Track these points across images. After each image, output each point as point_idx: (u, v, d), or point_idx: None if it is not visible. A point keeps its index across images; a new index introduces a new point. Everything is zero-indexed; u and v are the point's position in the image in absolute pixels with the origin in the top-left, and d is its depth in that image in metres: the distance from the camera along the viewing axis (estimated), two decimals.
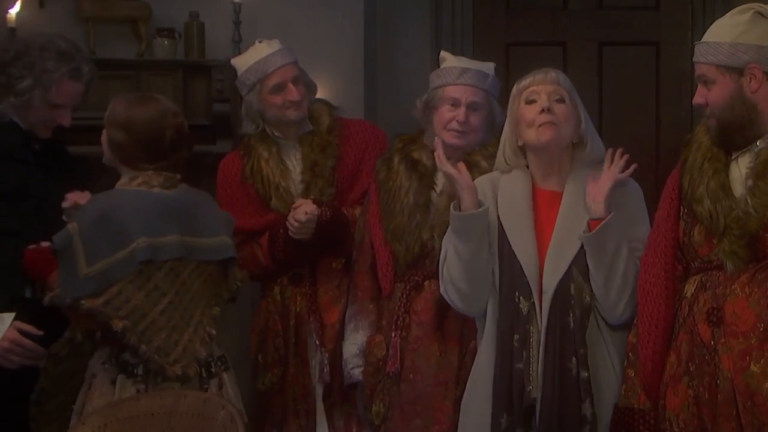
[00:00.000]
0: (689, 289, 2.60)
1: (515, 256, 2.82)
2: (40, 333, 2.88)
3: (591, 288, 2.79)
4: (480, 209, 2.83)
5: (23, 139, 3.19)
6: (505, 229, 2.85)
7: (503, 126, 3.09)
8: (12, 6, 3.96)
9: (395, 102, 4.85)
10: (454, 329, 3.12)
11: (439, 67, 3.31)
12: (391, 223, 3.23)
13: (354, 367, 3.31)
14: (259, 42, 3.53)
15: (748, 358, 2.45)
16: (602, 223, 2.74)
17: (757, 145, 2.53)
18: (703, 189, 2.55)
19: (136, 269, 2.85)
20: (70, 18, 4.60)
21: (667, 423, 2.59)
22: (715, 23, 2.60)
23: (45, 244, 2.94)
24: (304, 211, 3.35)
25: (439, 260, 2.99)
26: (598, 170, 2.83)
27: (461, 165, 2.90)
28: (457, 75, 3.20)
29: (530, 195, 2.88)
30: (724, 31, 2.55)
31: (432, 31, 5.20)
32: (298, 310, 3.50)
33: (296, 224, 3.36)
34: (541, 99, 2.85)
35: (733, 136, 2.54)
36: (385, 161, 3.33)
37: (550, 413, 2.72)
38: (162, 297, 2.90)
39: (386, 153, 3.38)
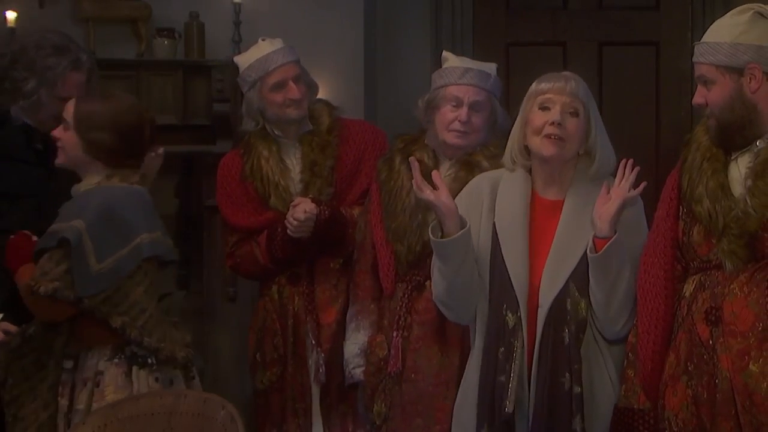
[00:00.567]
0: (688, 288, 2.59)
1: (506, 268, 2.78)
2: (14, 329, 2.87)
3: (587, 302, 2.74)
4: (459, 233, 2.74)
5: (25, 139, 3.18)
6: (499, 238, 2.81)
7: (505, 126, 3.08)
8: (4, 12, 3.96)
9: (395, 102, 4.86)
10: (455, 329, 3.11)
11: (440, 67, 3.30)
12: (392, 222, 3.23)
13: (355, 367, 3.31)
14: (262, 40, 3.53)
15: (746, 357, 2.44)
16: (608, 243, 2.67)
17: (757, 145, 2.53)
18: (702, 189, 2.55)
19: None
20: (70, 18, 4.61)
21: (666, 422, 2.57)
22: (715, 23, 2.60)
23: (34, 239, 2.94)
24: (302, 209, 3.35)
25: None
26: (604, 183, 2.77)
27: (440, 184, 2.78)
28: (460, 75, 3.20)
29: (528, 204, 2.83)
30: (724, 32, 2.54)
31: (432, 31, 5.20)
32: (295, 309, 3.50)
33: (295, 223, 3.36)
34: (554, 109, 2.78)
35: (732, 136, 2.54)
36: (386, 161, 3.33)
37: (540, 428, 2.70)
38: (156, 291, 2.96)
39: (387, 153, 3.37)
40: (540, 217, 2.83)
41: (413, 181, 2.80)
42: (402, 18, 5.17)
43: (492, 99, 3.24)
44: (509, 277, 2.76)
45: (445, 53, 3.34)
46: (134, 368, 2.89)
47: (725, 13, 2.60)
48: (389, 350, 3.21)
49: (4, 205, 3.12)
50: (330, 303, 3.49)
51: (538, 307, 2.74)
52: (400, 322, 3.20)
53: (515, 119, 2.91)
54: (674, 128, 5.08)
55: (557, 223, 2.80)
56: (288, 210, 3.40)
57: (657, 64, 5.29)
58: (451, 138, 3.19)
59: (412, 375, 3.18)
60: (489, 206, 2.86)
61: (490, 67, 3.27)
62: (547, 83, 2.82)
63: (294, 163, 3.52)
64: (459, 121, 3.17)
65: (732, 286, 2.49)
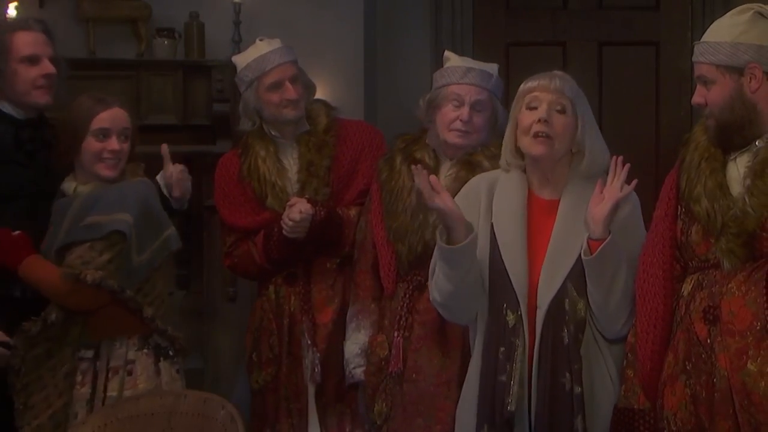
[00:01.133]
0: (686, 287, 2.59)
1: (505, 268, 2.78)
2: (8, 340, 2.87)
3: (586, 302, 2.74)
4: (467, 240, 2.74)
5: (14, 139, 3.14)
6: (497, 238, 2.80)
7: (505, 127, 3.07)
8: (6, 7, 3.95)
9: (395, 102, 4.86)
10: (456, 329, 3.11)
11: (441, 66, 3.31)
12: (393, 222, 3.23)
13: (356, 367, 3.31)
14: (260, 40, 3.53)
15: (744, 356, 2.44)
16: (602, 246, 2.67)
17: (756, 145, 2.53)
18: (700, 188, 2.55)
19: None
20: (70, 18, 4.61)
21: (665, 422, 2.57)
22: (715, 23, 2.60)
23: (16, 233, 2.95)
24: (298, 210, 3.35)
25: None
26: (601, 180, 2.77)
27: (442, 190, 2.76)
28: (461, 74, 3.20)
29: (525, 205, 2.83)
30: (724, 31, 2.54)
31: (432, 32, 5.21)
32: (292, 309, 3.50)
33: (290, 223, 3.36)
34: (541, 107, 2.78)
35: (732, 136, 2.54)
36: (387, 161, 3.33)
37: (541, 428, 2.70)
38: (171, 283, 3.12)
39: (388, 153, 3.37)
40: (537, 217, 2.83)
41: (421, 188, 2.77)
42: (402, 18, 5.17)
43: (493, 99, 3.24)
44: (508, 277, 2.76)
45: (447, 53, 3.34)
46: (161, 359, 3.00)
47: (725, 13, 2.60)
48: (390, 350, 3.21)
49: None
50: (326, 303, 3.49)
51: (536, 307, 2.74)
52: (401, 322, 3.20)
53: None
54: (674, 128, 5.07)
55: (553, 223, 2.80)
56: (285, 210, 3.40)
57: (657, 64, 5.29)
58: (452, 137, 3.19)
59: (413, 375, 3.18)
60: (486, 207, 2.86)
61: (492, 68, 3.27)
62: (533, 82, 2.82)
63: (291, 164, 3.52)
64: (460, 120, 3.17)
65: (730, 285, 2.49)
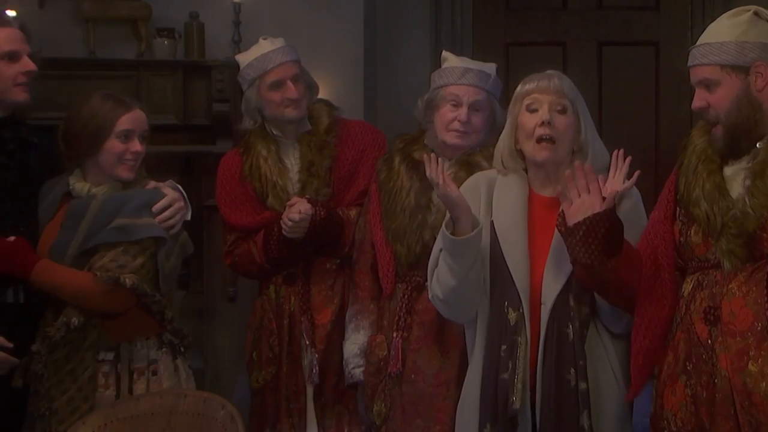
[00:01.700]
0: (686, 288, 2.59)
1: (506, 265, 2.78)
2: (10, 345, 2.84)
3: (590, 298, 2.74)
4: (474, 232, 2.74)
5: None
6: (498, 236, 2.80)
7: (503, 127, 3.07)
8: (7, 8, 3.94)
9: (395, 102, 4.87)
10: (455, 330, 3.11)
11: (439, 67, 3.30)
12: (392, 223, 3.22)
13: (355, 367, 3.31)
14: (264, 39, 3.54)
15: (745, 357, 2.44)
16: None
17: (757, 146, 2.53)
18: (699, 191, 2.54)
19: None
20: (70, 18, 4.62)
21: (665, 422, 2.57)
22: (712, 26, 2.59)
23: (11, 238, 2.94)
24: (297, 210, 3.35)
25: None
26: (602, 177, 2.78)
27: (450, 181, 2.78)
28: (460, 75, 3.20)
29: (526, 202, 2.83)
30: (726, 31, 2.53)
31: (432, 32, 5.21)
32: (291, 309, 3.50)
33: (289, 223, 3.36)
34: (542, 109, 2.77)
35: (740, 140, 2.52)
36: (385, 161, 3.32)
37: (547, 425, 2.70)
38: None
39: (387, 153, 3.37)
40: (538, 214, 2.82)
41: (432, 177, 2.77)
42: (402, 18, 5.18)
43: (492, 99, 3.24)
44: (510, 274, 2.76)
45: (444, 53, 3.34)
46: (179, 357, 3.03)
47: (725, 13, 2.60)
48: (389, 350, 3.21)
49: None
50: (325, 303, 3.49)
51: (539, 303, 2.74)
52: (400, 323, 3.19)
53: None
54: (673, 128, 5.08)
55: (555, 220, 2.81)
56: (285, 209, 3.40)
57: (656, 64, 5.30)
58: (450, 138, 3.18)
59: (412, 375, 3.17)
60: (486, 204, 2.85)
61: (490, 68, 3.27)
62: (531, 84, 2.81)
63: (292, 163, 3.52)
64: (459, 121, 3.16)
65: (730, 286, 2.49)
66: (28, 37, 3.13)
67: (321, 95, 3.66)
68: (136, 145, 2.99)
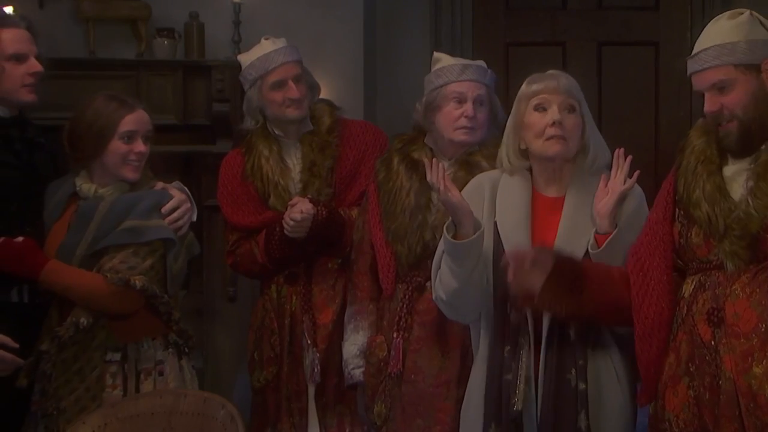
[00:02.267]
0: (687, 289, 2.58)
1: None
2: (16, 346, 2.84)
3: None
4: (476, 235, 2.75)
5: (4, 139, 3.09)
6: (502, 237, 2.80)
7: (503, 121, 3.07)
8: (3, 6, 3.93)
9: (395, 102, 4.87)
10: (456, 330, 3.11)
11: (430, 69, 3.29)
12: (392, 223, 3.22)
13: (354, 368, 3.30)
14: (266, 39, 3.54)
15: (750, 359, 2.43)
16: (609, 239, 2.69)
17: (762, 148, 2.53)
18: (699, 193, 2.54)
19: None
20: (70, 18, 4.62)
21: (667, 423, 2.56)
22: (712, 29, 2.57)
23: (19, 239, 2.94)
24: (299, 209, 3.35)
25: None
26: (604, 175, 2.79)
27: (451, 184, 2.79)
28: (460, 72, 3.19)
29: (529, 203, 2.83)
30: (732, 32, 2.52)
31: (431, 32, 5.22)
32: (293, 309, 3.50)
33: (291, 223, 3.36)
34: (552, 109, 2.78)
35: (754, 135, 2.50)
36: (384, 162, 3.32)
37: (546, 425, 2.70)
38: None
39: (385, 153, 3.37)
40: (541, 215, 2.83)
41: (434, 182, 2.77)
42: (402, 18, 5.18)
43: (492, 94, 3.24)
44: None
45: (436, 54, 3.32)
46: (184, 358, 3.04)
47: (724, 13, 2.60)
48: (389, 351, 3.21)
49: None
50: (327, 303, 3.49)
51: None
52: (401, 323, 3.19)
53: None
54: (673, 128, 5.09)
55: (559, 220, 2.81)
56: (286, 209, 3.40)
57: (656, 64, 5.30)
58: (459, 135, 3.17)
59: (413, 376, 3.17)
60: (490, 205, 2.85)
61: (482, 64, 3.27)
62: (539, 84, 2.82)
63: (294, 163, 3.52)
64: (466, 116, 3.16)
65: (734, 287, 2.48)
66: (35, 37, 3.14)
67: (321, 95, 3.66)
68: (140, 146, 2.99)
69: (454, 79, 3.18)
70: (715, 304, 2.49)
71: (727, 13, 2.56)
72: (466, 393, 2.94)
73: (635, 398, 2.74)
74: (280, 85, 3.45)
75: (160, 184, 3.07)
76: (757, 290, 2.45)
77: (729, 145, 2.54)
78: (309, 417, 3.50)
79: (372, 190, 3.31)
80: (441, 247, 2.88)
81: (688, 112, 5.02)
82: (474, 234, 2.74)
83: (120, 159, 2.99)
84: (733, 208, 2.49)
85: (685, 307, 2.57)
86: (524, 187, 2.85)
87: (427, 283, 3.12)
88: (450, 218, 2.79)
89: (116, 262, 2.91)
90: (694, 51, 2.56)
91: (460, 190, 2.93)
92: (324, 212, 3.38)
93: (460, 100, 3.16)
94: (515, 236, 2.79)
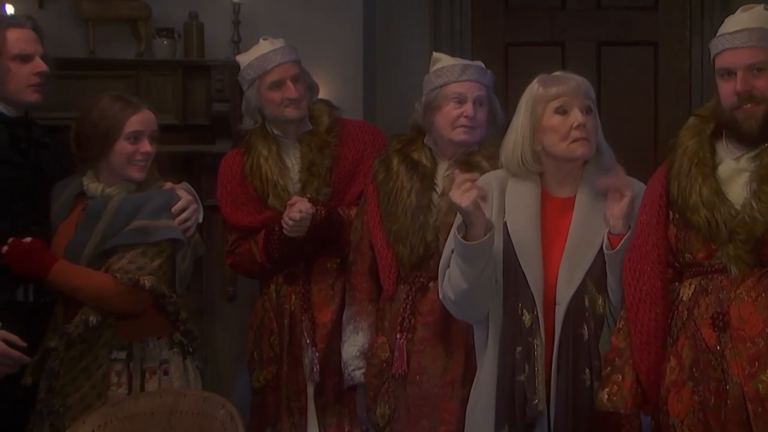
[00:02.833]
0: (685, 292, 2.58)
1: (520, 267, 2.79)
2: (24, 345, 2.85)
3: (605, 299, 2.76)
4: (487, 236, 2.75)
5: (9, 139, 3.11)
6: (512, 238, 2.81)
7: (502, 121, 3.08)
8: (3, 7, 3.93)
9: (394, 102, 4.87)
10: (459, 330, 3.11)
11: (429, 69, 3.30)
12: (393, 224, 3.22)
13: (354, 369, 3.30)
14: (264, 39, 3.55)
15: (757, 363, 2.43)
16: (624, 239, 2.70)
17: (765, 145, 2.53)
18: (696, 197, 2.53)
19: None
20: (69, 18, 4.61)
21: (671, 429, 2.56)
22: (746, 15, 2.55)
23: (27, 239, 2.95)
24: (298, 209, 3.36)
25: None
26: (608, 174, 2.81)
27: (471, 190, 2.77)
28: (459, 72, 3.20)
29: (539, 204, 2.84)
30: (761, 18, 2.52)
31: (431, 32, 5.22)
32: (292, 308, 3.51)
33: (290, 222, 3.36)
34: (574, 112, 2.79)
35: None
36: (383, 162, 3.32)
37: (562, 425, 2.71)
38: None
39: (384, 154, 3.36)
40: (551, 215, 2.83)
41: (460, 194, 2.73)
42: (401, 18, 5.18)
43: (490, 93, 3.25)
44: (524, 276, 2.77)
45: (435, 54, 3.33)
46: (188, 357, 3.06)
47: (723, 14, 2.61)
48: (391, 352, 3.21)
49: None
50: (326, 303, 3.49)
51: (554, 304, 2.75)
52: (404, 324, 3.19)
53: (511, 119, 2.91)
54: (673, 128, 5.06)
55: (569, 221, 2.82)
56: (285, 209, 3.41)
57: (655, 64, 5.30)
58: (458, 135, 3.18)
59: (417, 377, 3.17)
60: (498, 205, 2.86)
61: (480, 65, 3.28)
62: (559, 86, 2.82)
63: (293, 163, 3.52)
64: (466, 116, 3.16)
65: (738, 291, 2.48)
66: (41, 38, 3.15)
67: (320, 95, 3.67)
68: (146, 146, 3.00)
69: (454, 79, 3.19)
70: (719, 309, 2.49)
71: (745, 7, 2.56)
72: (471, 393, 2.95)
73: None
74: (278, 84, 3.45)
75: (168, 185, 3.09)
76: (763, 294, 2.45)
77: (749, 129, 2.52)
78: (308, 416, 3.50)
79: (371, 190, 3.31)
80: (448, 247, 2.88)
81: (687, 112, 5.00)
82: (485, 235, 2.75)
83: (126, 159, 3.00)
84: (734, 213, 2.48)
85: (685, 312, 2.56)
86: (533, 187, 2.86)
87: (430, 284, 3.12)
88: (461, 219, 2.79)
89: (125, 262, 2.92)
90: (731, 29, 2.54)
91: None
92: (323, 212, 3.38)
93: (460, 101, 3.17)
94: (525, 236, 2.80)
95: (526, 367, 2.73)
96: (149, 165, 3.05)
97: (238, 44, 4.49)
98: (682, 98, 5.11)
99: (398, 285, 3.22)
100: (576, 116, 2.78)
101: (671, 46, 5.25)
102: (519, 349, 2.75)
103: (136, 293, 2.92)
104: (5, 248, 2.94)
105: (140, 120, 3.01)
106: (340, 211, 3.45)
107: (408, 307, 3.19)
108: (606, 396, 2.63)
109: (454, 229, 2.79)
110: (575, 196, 2.85)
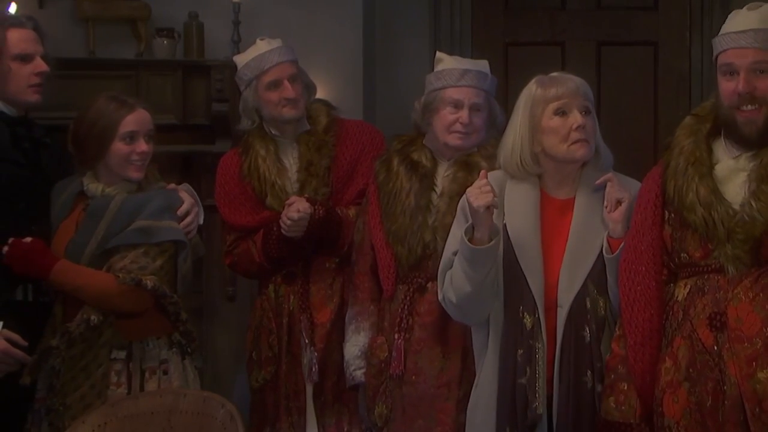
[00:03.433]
0: (680, 292, 2.57)
1: (521, 269, 2.78)
2: (25, 344, 2.86)
3: (606, 301, 2.76)
4: (494, 241, 2.74)
5: (11, 137, 3.12)
6: (512, 240, 2.80)
7: (502, 124, 3.07)
8: (8, 6, 3.94)
9: (394, 102, 4.87)
10: (457, 331, 3.11)
11: (433, 68, 3.30)
12: (392, 225, 3.22)
13: (356, 369, 3.31)
14: (261, 39, 3.55)
15: (754, 363, 2.42)
16: (623, 243, 2.70)
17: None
18: (693, 197, 2.52)
19: None
20: (69, 18, 4.61)
21: (666, 430, 2.54)
22: (753, 14, 2.53)
23: (27, 239, 2.95)
24: (296, 208, 3.36)
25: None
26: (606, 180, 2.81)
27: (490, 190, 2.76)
28: (458, 77, 3.19)
29: (539, 206, 2.83)
30: (764, 18, 2.51)
31: (431, 32, 5.21)
32: (291, 308, 3.51)
33: (288, 222, 3.36)
34: (573, 114, 2.78)
35: None
36: (384, 162, 3.32)
37: (564, 427, 2.70)
38: None
39: (385, 154, 3.37)
40: (551, 217, 2.83)
41: (479, 196, 2.73)
42: (401, 18, 5.17)
43: (490, 98, 3.24)
44: (525, 278, 2.77)
45: (439, 54, 3.33)
46: (187, 358, 3.07)
47: (723, 14, 2.60)
48: (390, 352, 3.21)
49: None
50: (325, 302, 3.49)
51: (555, 306, 2.75)
52: (402, 324, 3.19)
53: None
54: (672, 128, 5.06)
55: (569, 222, 2.81)
56: (283, 209, 3.41)
57: (655, 64, 5.30)
58: (453, 140, 3.18)
59: (413, 377, 3.17)
60: (498, 207, 2.84)
61: (485, 66, 3.27)
62: (558, 88, 2.81)
63: (291, 163, 3.52)
64: (461, 123, 3.16)
65: (736, 291, 2.47)
66: (42, 38, 3.15)
67: (320, 95, 3.67)
68: (142, 146, 3.00)
69: (452, 83, 3.18)
70: (716, 309, 2.48)
71: (751, 4, 2.55)
72: (472, 396, 2.94)
73: None
74: (275, 84, 3.46)
75: (171, 185, 3.09)
76: (760, 294, 2.45)
77: (748, 133, 2.52)
78: (307, 416, 3.51)
79: (372, 191, 3.31)
80: (449, 249, 2.88)
81: (687, 112, 5.00)
82: (490, 239, 2.74)
83: (123, 160, 3.00)
84: (731, 212, 2.48)
85: (681, 312, 2.55)
86: (533, 189, 2.86)
87: (428, 284, 3.12)
88: (469, 222, 2.78)
89: (127, 261, 2.93)
90: (738, 28, 2.52)
91: (461, 191, 2.94)
92: (321, 211, 3.38)
93: (457, 106, 3.17)
94: (525, 239, 2.79)
95: (528, 370, 2.73)
96: (147, 164, 3.04)
97: (238, 44, 4.48)
98: (682, 98, 5.11)
99: (397, 285, 3.22)
100: (576, 117, 2.78)
101: (671, 46, 5.24)
102: (520, 351, 2.75)
103: (138, 293, 2.93)
104: (5, 249, 2.94)
105: (135, 120, 3.01)
106: (339, 211, 3.45)
107: (406, 307, 3.19)
108: (613, 405, 2.62)
109: (461, 232, 2.78)
110: (574, 198, 2.84)
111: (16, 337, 2.84)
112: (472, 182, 2.83)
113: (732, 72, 2.52)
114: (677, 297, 2.57)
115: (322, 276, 3.51)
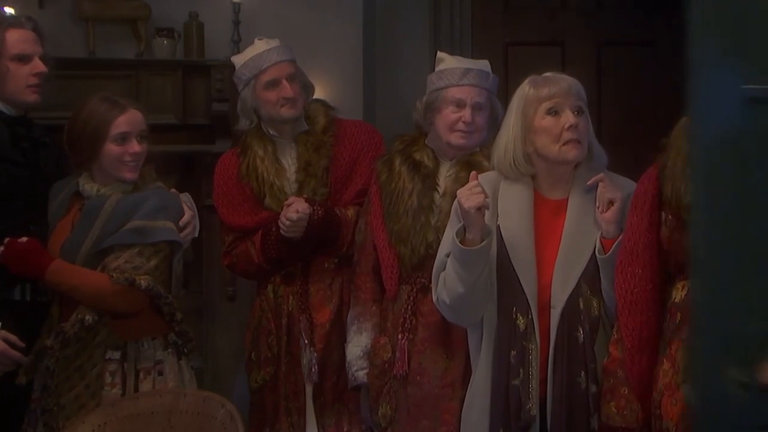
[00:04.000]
0: (678, 294, 2.56)
1: (514, 270, 2.78)
2: (22, 345, 2.87)
3: (599, 301, 2.75)
4: (485, 242, 2.74)
5: (11, 137, 3.13)
6: (505, 241, 2.80)
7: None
8: (1, 8, 3.94)
9: (394, 102, 4.87)
10: (460, 331, 3.10)
11: (434, 68, 3.30)
12: (395, 225, 3.22)
13: (358, 369, 3.31)
14: (259, 39, 3.55)
15: None
16: (616, 243, 2.70)
17: None
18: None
19: None
20: (69, 18, 4.61)
21: None
22: None
23: (23, 239, 2.95)
24: (295, 209, 3.36)
25: None
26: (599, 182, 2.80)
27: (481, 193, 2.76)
28: (460, 76, 3.20)
29: (532, 206, 2.83)
30: None
31: (431, 32, 5.21)
32: (290, 308, 3.51)
33: (287, 222, 3.36)
34: (566, 113, 2.78)
35: None
36: (386, 163, 3.32)
37: (558, 428, 2.70)
38: None
39: (386, 154, 3.37)
40: (544, 218, 2.83)
41: (471, 197, 2.73)
42: (401, 18, 5.18)
43: (492, 97, 3.25)
44: (518, 279, 2.76)
45: (440, 54, 3.33)
46: (183, 358, 3.07)
47: None
48: (393, 352, 3.21)
49: None
50: (324, 303, 3.49)
51: (548, 307, 2.75)
52: (405, 325, 3.19)
53: None
54: (672, 128, 5.07)
55: (562, 223, 2.81)
56: (282, 209, 3.41)
57: (655, 65, 5.30)
58: (455, 139, 3.18)
59: (417, 377, 3.17)
60: (491, 208, 2.84)
61: (486, 65, 3.27)
62: (550, 87, 2.81)
63: (289, 163, 3.52)
64: (464, 122, 3.17)
65: None
66: (41, 38, 3.15)
67: (320, 96, 3.67)
68: (134, 146, 2.99)
69: (454, 83, 3.19)
70: None
71: None
72: (467, 395, 2.95)
73: None
74: (273, 84, 3.46)
75: (173, 192, 3.10)
76: None
77: None
78: (307, 416, 3.50)
79: (374, 191, 3.31)
80: (442, 251, 2.88)
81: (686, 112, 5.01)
82: (482, 240, 2.74)
83: (116, 161, 3.00)
84: None
85: (678, 314, 2.54)
86: (526, 190, 2.85)
87: (431, 285, 3.12)
88: (460, 223, 2.78)
89: (121, 261, 2.93)
90: None
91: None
92: (320, 211, 3.38)
93: (459, 105, 3.17)
94: (519, 240, 2.79)
95: (521, 371, 2.73)
96: (141, 165, 3.04)
97: (238, 44, 4.48)
98: (681, 98, 5.10)
99: (400, 285, 3.22)
100: (568, 117, 2.77)
101: (671, 47, 5.24)
102: (514, 352, 2.75)
103: (132, 293, 2.92)
104: (1, 249, 2.94)
105: (126, 121, 3.01)
106: (337, 211, 3.45)
107: (409, 307, 3.19)
108: (615, 410, 2.62)
109: (452, 234, 2.79)
110: (568, 198, 2.84)
111: (13, 338, 2.84)
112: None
113: None
114: (675, 299, 2.57)
115: (322, 276, 3.51)
